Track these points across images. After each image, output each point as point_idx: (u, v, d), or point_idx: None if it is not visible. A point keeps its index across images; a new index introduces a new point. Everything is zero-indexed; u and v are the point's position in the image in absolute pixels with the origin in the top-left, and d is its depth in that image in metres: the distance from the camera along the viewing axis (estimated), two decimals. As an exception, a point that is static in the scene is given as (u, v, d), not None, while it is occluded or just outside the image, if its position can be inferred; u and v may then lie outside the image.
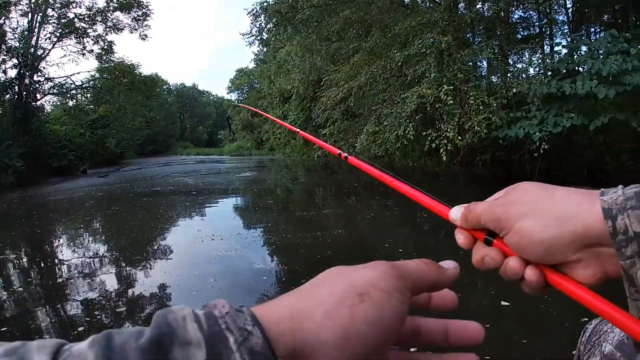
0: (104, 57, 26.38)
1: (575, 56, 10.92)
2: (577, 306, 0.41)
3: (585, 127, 10.42)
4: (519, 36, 15.50)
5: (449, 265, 0.40)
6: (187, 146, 60.71)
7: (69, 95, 27.18)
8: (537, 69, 13.58)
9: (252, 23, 17.55)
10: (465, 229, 0.46)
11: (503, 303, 4.10)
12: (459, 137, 11.48)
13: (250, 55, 79.71)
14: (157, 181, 18.40)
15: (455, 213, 0.46)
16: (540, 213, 0.40)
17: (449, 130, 11.38)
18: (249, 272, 5.74)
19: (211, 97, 79.94)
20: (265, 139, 39.86)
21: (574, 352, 0.83)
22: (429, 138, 11.86)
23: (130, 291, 5.18)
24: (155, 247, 7.33)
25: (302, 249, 6.74)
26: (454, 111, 11.56)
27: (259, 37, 18.52)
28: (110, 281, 5.54)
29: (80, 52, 25.51)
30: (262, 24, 17.43)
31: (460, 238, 0.46)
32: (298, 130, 1.46)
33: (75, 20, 24.65)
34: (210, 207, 11.50)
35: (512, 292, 4.04)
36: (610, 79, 9.72)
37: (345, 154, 0.85)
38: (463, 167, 15.44)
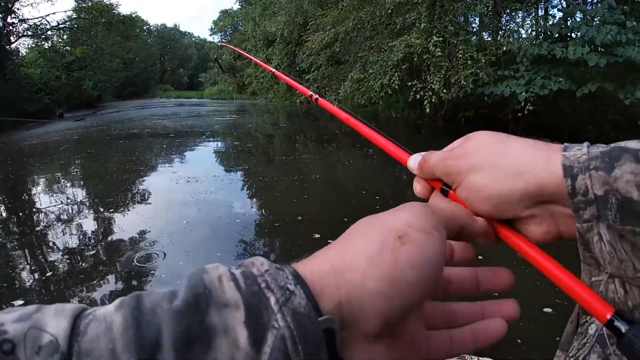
0: None
1: (570, 21, 10.70)
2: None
3: (572, 93, 10.37)
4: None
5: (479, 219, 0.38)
6: (167, 89, 59.17)
7: (44, 36, 26.04)
8: (530, 31, 13.34)
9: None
10: (423, 179, 0.44)
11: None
12: (444, 91, 11.32)
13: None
14: (135, 124, 17.86)
15: (413, 162, 0.45)
16: (491, 167, 0.37)
17: (434, 82, 11.17)
18: (223, 215, 5.59)
19: (193, 39, 77.21)
20: (247, 82, 38.94)
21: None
22: (414, 89, 11.63)
23: (103, 235, 5.02)
24: (130, 190, 7.06)
25: (278, 192, 6.61)
26: (442, 64, 11.32)
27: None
28: (83, 225, 5.33)
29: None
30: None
31: (417, 187, 0.45)
32: (274, 70, 1.39)
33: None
34: (187, 149, 11.20)
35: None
36: (603, 48, 9.60)
37: (316, 96, 0.83)
38: (446, 122, 15.35)
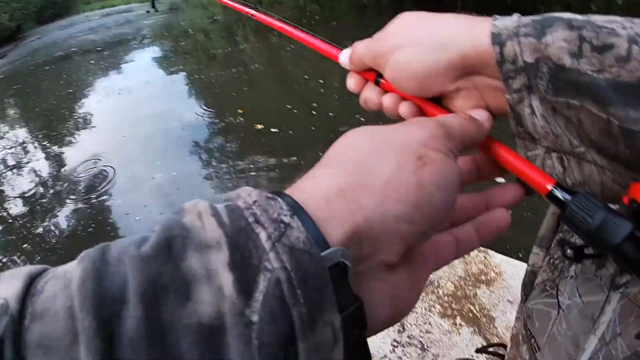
0: None
1: None
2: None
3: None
4: None
5: (482, 115, 0.34)
6: (89, 2, 54.07)
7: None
8: None
9: None
10: (356, 72, 0.41)
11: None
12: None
13: None
14: (59, 45, 16.18)
15: (344, 56, 0.42)
16: (416, 42, 0.35)
17: None
18: (160, 119, 5.26)
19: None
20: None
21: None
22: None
23: (49, 171, 4.80)
24: (65, 119, 6.42)
25: (217, 88, 5.98)
26: None
27: None
28: (26, 166, 5.08)
29: None
30: None
31: (350, 83, 0.42)
32: (253, 13, 0.98)
33: None
34: (119, 61, 10.14)
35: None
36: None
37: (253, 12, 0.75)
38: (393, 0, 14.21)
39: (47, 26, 36.13)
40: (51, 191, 4.27)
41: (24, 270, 0.20)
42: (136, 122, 5.42)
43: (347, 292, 0.21)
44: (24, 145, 5.86)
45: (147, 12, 15.57)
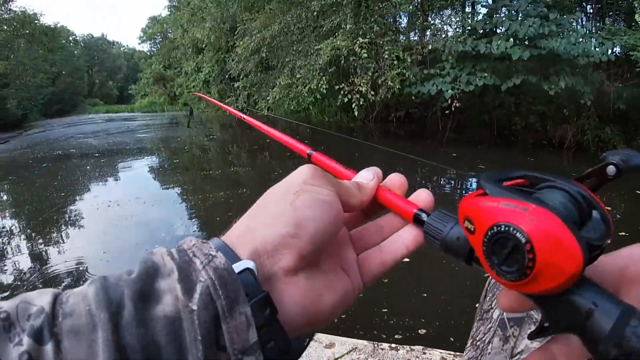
0: (2, 7, 23.55)
1: (495, 17, 10.86)
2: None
3: (497, 87, 10.57)
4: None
5: (367, 178, 0.44)
6: (95, 104, 56.10)
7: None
8: (456, 28, 13.57)
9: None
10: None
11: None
12: (372, 93, 11.22)
13: (163, 2, 74.33)
14: (60, 144, 16.75)
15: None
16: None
17: (361, 84, 11.05)
18: (144, 241, 5.20)
19: (122, 49, 74.23)
20: (178, 93, 37.79)
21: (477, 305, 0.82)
22: (342, 92, 11.46)
23: (22, 269, 4.65)
24: (48, 221, 6.41)
25: (202, 211, 6.24)
26: (369, 65, 11.22)
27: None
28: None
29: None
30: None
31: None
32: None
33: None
34: (112, 170, 10.42)
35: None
36: (527, 41, 9.86)
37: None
38: (378, 124, 15.39)
39: (52, 120, 37.22)
40: (29, 286, 4.21)
41: (49, 290, 0.29)
42: (124, 230, 5.54)
43: (255, 289, 0.31)
44: (10, 236, 5.84)
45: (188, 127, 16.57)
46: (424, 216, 0.38)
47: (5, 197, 8.50)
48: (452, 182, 8.15)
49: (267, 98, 13.56)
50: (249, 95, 20.28)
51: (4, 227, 6.27)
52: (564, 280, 0.26)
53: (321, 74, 11.20)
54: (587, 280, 0.28)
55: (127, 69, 67.75)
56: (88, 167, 10.66)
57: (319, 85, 11.12)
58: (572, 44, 9.31)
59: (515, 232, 0.27)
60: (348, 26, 11.35)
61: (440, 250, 0.36)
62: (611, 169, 0.31)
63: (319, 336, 2.13)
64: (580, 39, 9.52)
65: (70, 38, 61.09)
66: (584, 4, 13.28)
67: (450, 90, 10.58)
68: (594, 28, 10.07)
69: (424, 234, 0.38)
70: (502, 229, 0.28)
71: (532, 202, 0.28)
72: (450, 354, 1.98)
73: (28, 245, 5.41)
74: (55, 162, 12.00)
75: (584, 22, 11.20)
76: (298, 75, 11.82)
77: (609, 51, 9.57)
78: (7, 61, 25.69)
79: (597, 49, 9.43)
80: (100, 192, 7.93)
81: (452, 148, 10.93)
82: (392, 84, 10.85)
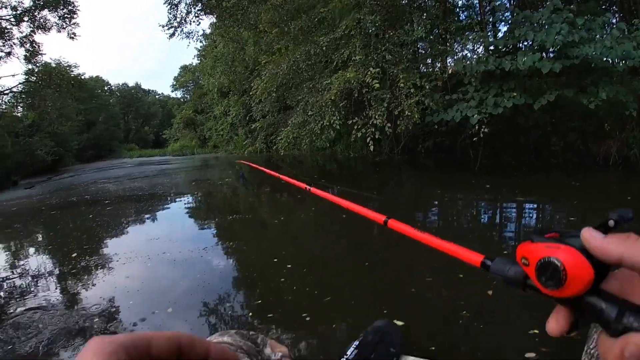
0: (32, 60, 24.52)
1: (516, 31, 9.81)
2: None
3: (529, 106, 9.57)
4: (461, 18, 14.39)
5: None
6: (131, 148, 58.04)
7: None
8: (478, 49, 12.69)
9: (169, 12, 16.15)
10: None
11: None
12: (388, 125, 10.39)
13: (194, 52, 76.71)
14: (79, 190, 16.72)
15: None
16: None
17: (376, 117, 10.24)
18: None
19: (156, 96, 76.90)
20: (208, 136, 38.35)
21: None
22: (355, 127, 10.67)
23: None
24: (27, 277, 5.90)
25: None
26: (383, 96, 10.46)
27: (179, 28, 16.82)
28: None
29: (5, 55, 23.53)
30: (183, 13, 16.06)
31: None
32: (309, 187, 1.32)
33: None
34: (113, 221, 9.59)
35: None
36: (556, 52, 8.88)
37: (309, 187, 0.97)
38: (405, 155, 14.54)
39: (86, 164, 38.39)
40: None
41: None
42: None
43: None
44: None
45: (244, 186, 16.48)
46: (489, 262, 0.53)
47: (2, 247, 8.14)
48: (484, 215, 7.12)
49: (279, 139, 12.90)
50: (266, 136, 19.90)
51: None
52: (584, 286, 0.42)
53: (333, 108, 10.46)
54: (600, 289, 0.43)
55: (161, 115, 69.71)
56: (91, 216, 10.15)
57: (332, 120, 10.37)
58: (608, 48, 8.23)
59: (554, 260, 0.43)
60: (358, 57, 10.69)
61: (503, 282, 0.50)
62: (611, 223, 0.44)
63: (406, 358, 2.05)
64: (615, 43, 8.38)
65: (106, 87, 63.71)
66: (610, 5, 12.26)
67: (476, 115, 9.64)
68: (626, 30, 8.84)
69: (491, 273, 0.52)
70: (547, 260, 0.43)
71: (562, 243, 0.44)
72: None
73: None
74: (64, 209, 11.73)
75: (615, 24, 10.03)
76: (310, 112, 11.12)
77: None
78: (33, 110, 26.73)
79: (637, 52, 8.25)
80: (89, 245, 7.22)
81: (486, 177, 9.88)
82: (409, 113, 10.01)
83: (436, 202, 8.00)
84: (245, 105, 25.44)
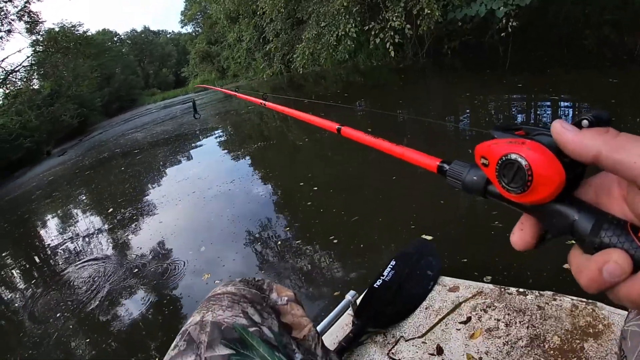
0: (34, 30, 24.27)
1: None
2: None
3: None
4: None
5: None
6: (153, 93, 57.70)
7: (7, 83, 24.92)
8: None
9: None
10: None
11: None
12: (408, 26, 9.60)
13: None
14: (109, 145, 16.77)
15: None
16: None
17: (394, 19, 9.45)
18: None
19: (168, 35, 74.98)
20: (226, 66, 37.44)
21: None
22: (373, 32, 9.92)
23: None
24: (77, 236, 6.13)
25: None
26: (399, -5, 9.60)
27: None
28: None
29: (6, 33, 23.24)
30: None
31: None
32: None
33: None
34: (141, 168, 9.64)
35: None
36: None
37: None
38: (429, 59, 13.70)
39: (113, 118, 38.67)
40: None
41: None
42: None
43: None
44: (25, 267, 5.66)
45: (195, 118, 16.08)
46: (446, 166, 0.47)
47: (44, 221, 8.17)
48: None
49: (294, 56, 12.24)
50: (283, 57, 19.09)
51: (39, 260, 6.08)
52: (554, 189, 0.36)
53: (347, 15, 9.71)
54: (573, 197, 0.38)
55: (177, 53, 68.32)
56: (122, 168, 10.23)
57: (347, 29, 9.66)
58: None
59: (518, 157, 0.37)
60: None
61: (462, 190, 0.45)
62: (585, 123, 0.37)
63: (442, 279, 1.96)
64: None
65: (115, 38, 62.94)
66: None
67: (502, 8, 8.78)
68: None
69: (448, 179, 0.46)
70: (509, 157, 0.38)
71: (528, 138, 0.38)
72: (582, 301, 1.71)
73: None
74: (97, 167, 11.81)
75: None
76: (323, 24, 10.38)
77: None
78: (48, 78, 26.80)
79: None
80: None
81: (517, 76, 9.15)
82: (430, 11, 9.19)
83: (467, 109, 7.51)
84: (257, 27, 24.40)
